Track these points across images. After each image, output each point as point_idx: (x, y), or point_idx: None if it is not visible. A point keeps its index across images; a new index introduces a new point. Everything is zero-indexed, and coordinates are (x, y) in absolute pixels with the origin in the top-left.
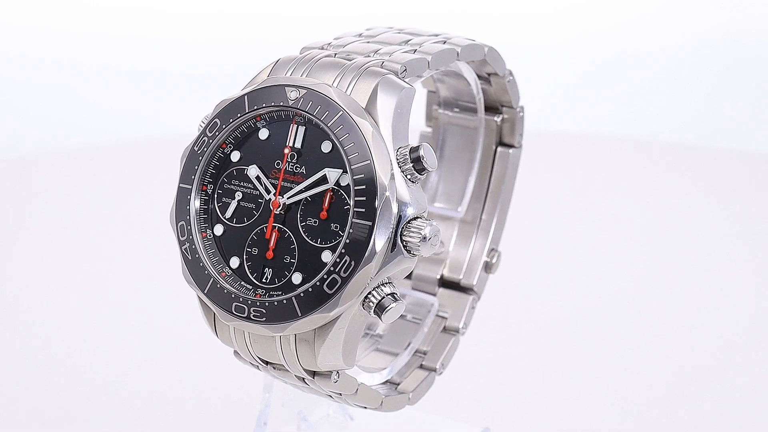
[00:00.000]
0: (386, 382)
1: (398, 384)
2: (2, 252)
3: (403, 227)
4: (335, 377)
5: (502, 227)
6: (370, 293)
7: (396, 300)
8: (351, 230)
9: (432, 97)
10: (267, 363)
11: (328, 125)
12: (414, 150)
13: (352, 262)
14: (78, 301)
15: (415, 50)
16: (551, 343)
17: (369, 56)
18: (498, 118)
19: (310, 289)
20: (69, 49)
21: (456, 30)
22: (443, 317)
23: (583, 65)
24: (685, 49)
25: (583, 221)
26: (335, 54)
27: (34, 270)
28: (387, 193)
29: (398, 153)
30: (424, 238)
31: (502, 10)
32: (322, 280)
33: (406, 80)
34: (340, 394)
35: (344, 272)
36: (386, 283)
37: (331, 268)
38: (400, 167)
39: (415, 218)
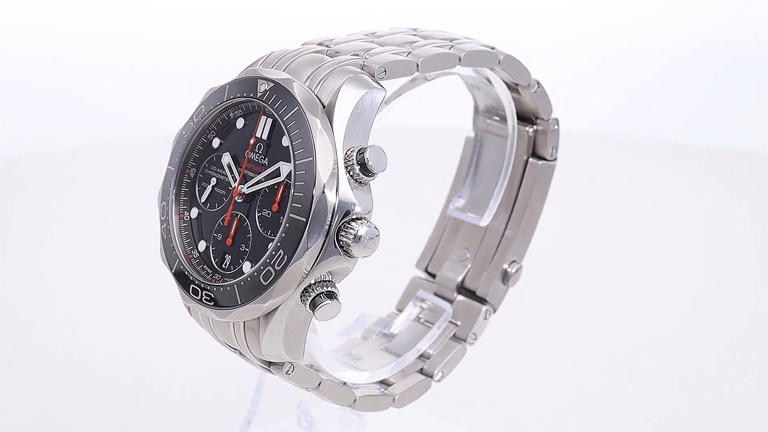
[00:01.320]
0: (381, 381)
1: (390, 384)
2: (2, 252)
3: (340, 226)
4: (287, 368)
5: (527, 240)
6: (306, 288)
7: (331, 298)
8: (287, 224)
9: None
10: (234, 349)
11: (284, 120)
12: (360, 151)
13: (285, 256)
14: (77, 300)
15: (409, 53)
16: (558, 349)
17: (357, 54)
18: (530, 129)
19: (249, 279)
20: (69, 49)
21: (467, 32)
22: (456, 324)
23: (583, 65)
24: (686, 49)
25: (583, 221)
26: (326, 51)
27: (33, 269)
28: (324, 191)
29: (347, 153)
30: (358, 238)
31: (502, 10)
32: (259, 271)
33: (381, 82)
34: (307, 388)
35: (278, 265)
36: (325, 281)
37: (268, 260)
38: (346, 167)
39: (355, 219)
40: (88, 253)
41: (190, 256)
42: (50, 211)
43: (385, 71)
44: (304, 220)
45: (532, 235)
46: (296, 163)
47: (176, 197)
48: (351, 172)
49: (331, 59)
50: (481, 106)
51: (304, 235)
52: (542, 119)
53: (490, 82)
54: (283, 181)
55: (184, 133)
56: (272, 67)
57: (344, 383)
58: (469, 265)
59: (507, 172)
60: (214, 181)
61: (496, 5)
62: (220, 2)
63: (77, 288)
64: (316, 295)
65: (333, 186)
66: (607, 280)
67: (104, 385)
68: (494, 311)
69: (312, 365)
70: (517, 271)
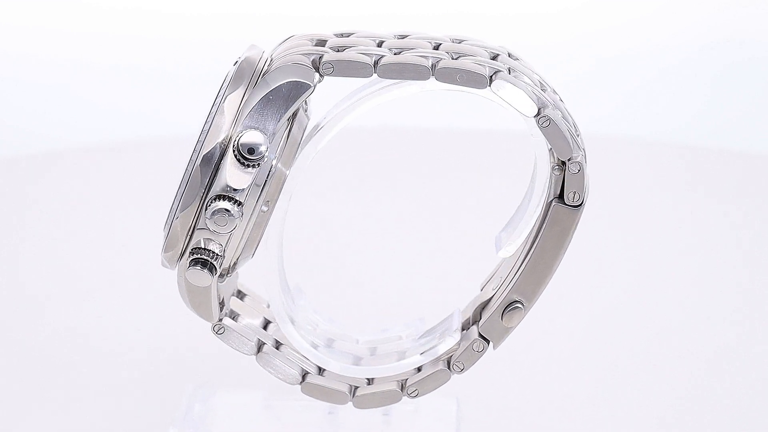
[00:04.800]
0: (368, 378)
1: (370, 383)
2: (2, 252)
3: (210, 200)
4: (216, 328)
5: (536, 284)
6: (194, 250)
7: (203, 267)
8: (179, 188)
9: None
10: None
11: (223, 90)
12: (242, 136)
13: (173, 217)
14: (77, 301)
15: (383, 56)
16: (537, 326)
17: (336, 49)
18: (557, 168)
19: (165, 232)
20: (69, 49)
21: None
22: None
23: (583, 66)
24: (686, 49)
25: (582, 221)
26: (326, 41)
27: (33, 269)
28: (200, 164)
29: (237, 134)
30: (211, 212)
31: (502, 11)
32: (168, 225)
33: (322, 77)
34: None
35: (170, 223)
36: (213, 251)
37: (169, 217)
38: (233, 148)
39: (223, 195)
40: (88, 252)
41: None
42: (50, 211)
43: (333, 68)
44: (185, 186)
45: (543, 280)
46: (199, 136)
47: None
48: (235, 153)
49: (306, 47)
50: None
51: (181, 200)
52: (564, 160)
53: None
54: None
55: None
56: (279, 45)
57: (320, 369)
58: (493, 294)
59: (534, 209)
60: None
61: (497, 6)
62: (221, 2)
63: (78, 288)
64: (194, 258)
65: (213, 160)
66: (606, 280)
67: (119, 362)
68: (491, 346)
69: (278, 340)
70: (514, 310)
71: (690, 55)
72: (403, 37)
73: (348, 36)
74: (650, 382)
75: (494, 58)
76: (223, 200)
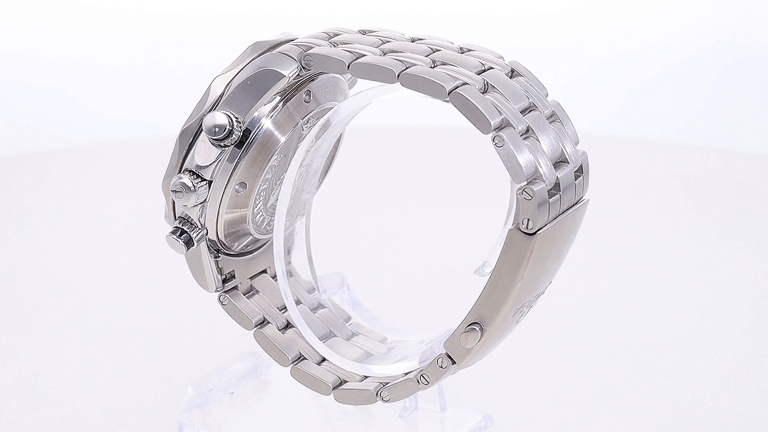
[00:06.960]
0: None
1: (362, 380)
2: (2, 252)
3: (181, 173)
4: (221, 297)
5: (492, 308)
6: (181, 218)
7: (179, 237)
8: None
9: None
10: None
11: None
12: (206, 117)
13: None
14: (77, 303)
15: (362, 56)
16: (555, 333)
17: (333, 44)
18: (517, 188)
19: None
20: (69, 49)
21: (466, 33)
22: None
23: (583, 66)
24: (686, 49)
25: (582, 221)
26: (339, 34)
27: (33, 268)
28: (177, 140)
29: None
30: (173, 186)
31: (502, 11)
32: None
33: (305, 69)
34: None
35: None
36: (187, 221)
37: None
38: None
39: (189, 171)
40: (88, 253)
41: None
42: (50, 211)
43: (312, 62)
44: (169, 159)
45: (501, 306)
46: None
47: None
48: (206, 134)
49: (313, 40)
50: None
51: (165, 174)
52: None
53: None
54: None
55: None
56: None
57: (323, 358)
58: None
59: (503, 230)
60: None
61: (496, 6)
62: (221, 2)
63: (79, 288)
64: (175, 226)
65: (187, 138)
66: (606, 279)
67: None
68: (451, 361)
69: (289, 322)
70: (470, 332)
71: (690, 55)
72: (414, 40)
73: (367, 34)
74: (681, 391)
75: (482, 71)
76: (189, 175)
